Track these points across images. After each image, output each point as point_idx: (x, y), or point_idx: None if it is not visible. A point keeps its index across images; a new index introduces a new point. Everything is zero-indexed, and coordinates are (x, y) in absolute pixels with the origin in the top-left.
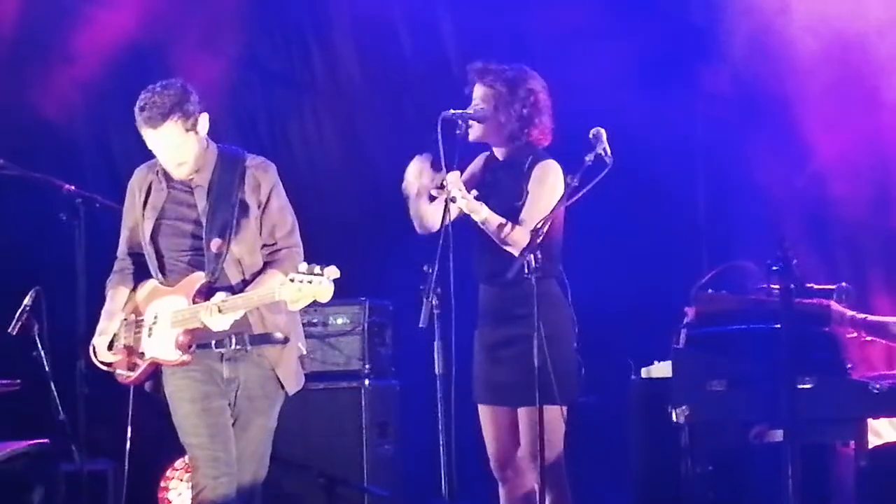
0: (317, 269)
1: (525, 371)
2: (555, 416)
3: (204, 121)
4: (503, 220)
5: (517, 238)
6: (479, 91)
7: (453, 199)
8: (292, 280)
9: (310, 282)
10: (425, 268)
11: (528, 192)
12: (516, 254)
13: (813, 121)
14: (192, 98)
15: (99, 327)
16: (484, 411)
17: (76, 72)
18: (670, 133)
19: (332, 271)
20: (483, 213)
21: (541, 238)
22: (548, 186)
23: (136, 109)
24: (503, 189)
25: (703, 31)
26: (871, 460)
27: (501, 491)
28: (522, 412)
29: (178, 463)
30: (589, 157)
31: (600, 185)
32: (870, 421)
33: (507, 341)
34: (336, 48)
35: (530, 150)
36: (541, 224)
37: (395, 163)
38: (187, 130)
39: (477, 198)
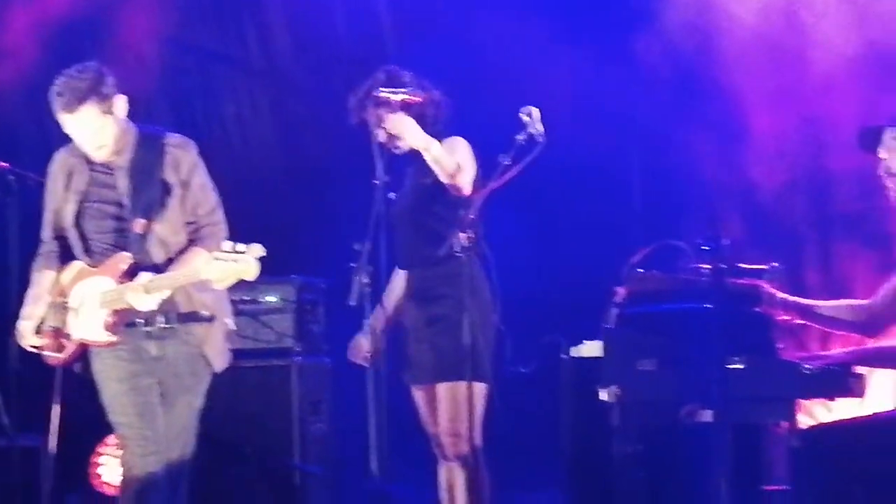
0: (241, 247)
1: (443, 350)
2: (474, 393)
3: (121, 103)
4: (454, 161)
5: (466, 182)
6: (403, 117)
7: (398, 138)
8: (217, 259)
9: (235, 260)
10: (356, 245)
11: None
12: (459, 179)
13: (748, 102)
14: (108, 81)
15: (23, 312)
16: (416, 392)
17: (9, 49)
18: (605, 112)
19: (257, 249)
20: (434, 150)
21: (473, 216)
22: (462, 153)
23: (53, 95)
24: (415, 170)
25: (639, 9)
26: (803, 441)
27: (444, 468)
28: (440, 389)
29: (111, 438)
30: (521, 137)
31: (534, 164)
32: (803, 402)
33: (428, 321)
34: (270, 27)
35: (437, 131)
36: (471, 201)
37: (329, 142)
38: (104, 113)
39: (391, 183)
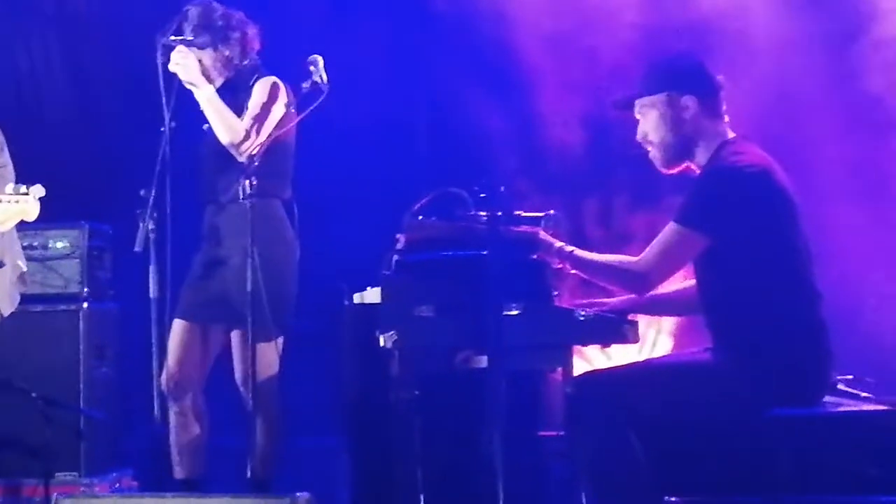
0: (22, 188)
1: (239, 292)
2: (268, 341)
3: None
4: (241, 126)
5: (238, 130)
6: (174, 56)
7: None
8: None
9: (16, 201)
10: (142, 192)
11: (248, 108)
12: (232, 144)
13: (533, 52)
14: None
15: None
16: (182, 327)
17: None
18: (392, 61)
19: (38, 190)
20: (206, 91)
21: (257, 163)
22: (267, 99)
23: None
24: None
25: None
26: (576, 387)
27: (174, 411)
28: (235, 335)
29: None
30: (305, 85)
31: (318, 112)
32: (581, 348)
33: (222, 260)
34: None
35: (255, 70)
36: (257, 148)
37: (117, 91)
38: None
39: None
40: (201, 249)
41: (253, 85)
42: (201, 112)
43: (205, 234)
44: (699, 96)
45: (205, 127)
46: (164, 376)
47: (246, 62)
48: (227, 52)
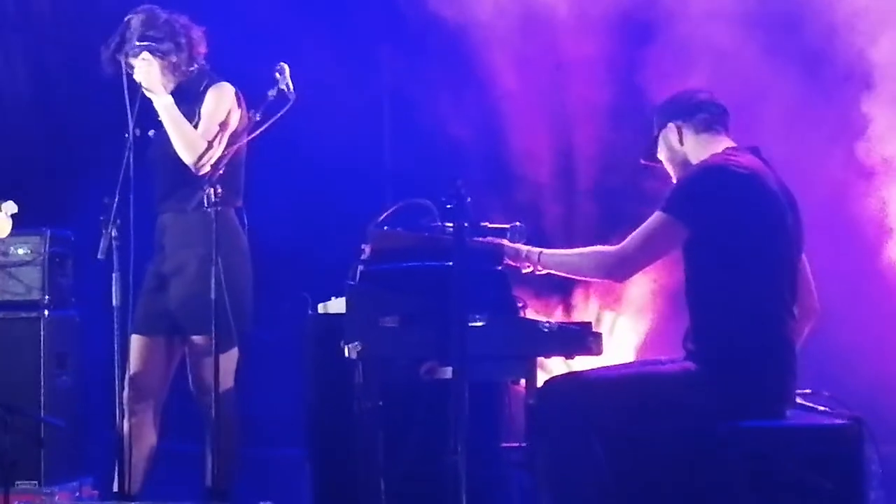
0: None
1: (195, 299)
2: (226, 349)
3: None
4: (200, 139)
5: (195, 142)
6: (139, 62)
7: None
8: None
9: None
10: (105, 199)
11: (200, 115)
12: (190, 160)
13: (498, 72)
14: None
15: None
16: (140, 341)
17: None
18: (357, 71)
19: (10, 206)
20: (164, 101)
21: (222, 171)
22: (222, 107)
23: None
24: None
25: None
26: (540, 394)
27: (131, 421)
28: (190, 343)
29: None
30: (272, 93)
31: (285, 121)
32: (544, 360)
33: (177, 270)
34: None
35: (204, 76)
36: (221, 155)
37: (81, 96)
38: None
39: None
40: (153, 260)
41: (204, 90)
42: (155, 118)
43: (157, 244)
44: (681, 120)
45: (150, 133)
46: (125, 389)
47: (193, 67)
48: (174, 59)
